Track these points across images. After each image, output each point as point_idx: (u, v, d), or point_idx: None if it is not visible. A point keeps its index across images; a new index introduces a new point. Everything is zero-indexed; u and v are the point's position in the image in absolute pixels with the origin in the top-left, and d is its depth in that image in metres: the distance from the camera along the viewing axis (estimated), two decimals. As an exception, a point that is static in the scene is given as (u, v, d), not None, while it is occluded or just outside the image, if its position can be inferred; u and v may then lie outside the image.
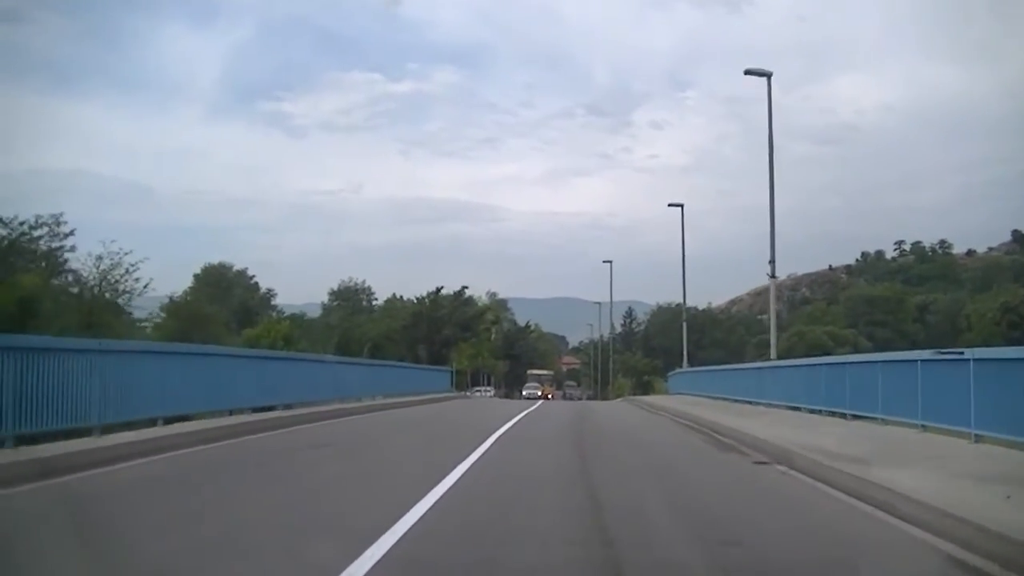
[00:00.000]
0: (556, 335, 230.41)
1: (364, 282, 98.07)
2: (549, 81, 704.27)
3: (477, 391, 71.74)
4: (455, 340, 63.63)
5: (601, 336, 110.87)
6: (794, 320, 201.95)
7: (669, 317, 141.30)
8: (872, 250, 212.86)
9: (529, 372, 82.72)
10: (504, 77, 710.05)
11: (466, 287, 65.49)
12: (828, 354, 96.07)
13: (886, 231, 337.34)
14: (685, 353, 49.70)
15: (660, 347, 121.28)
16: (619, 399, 54.47)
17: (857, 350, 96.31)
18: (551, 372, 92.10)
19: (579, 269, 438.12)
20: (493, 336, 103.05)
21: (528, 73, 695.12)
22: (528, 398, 61.65)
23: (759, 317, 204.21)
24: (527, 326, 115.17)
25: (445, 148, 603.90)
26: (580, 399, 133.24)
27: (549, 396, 70.54)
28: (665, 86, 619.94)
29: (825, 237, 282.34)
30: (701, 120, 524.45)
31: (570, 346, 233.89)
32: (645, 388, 77.89)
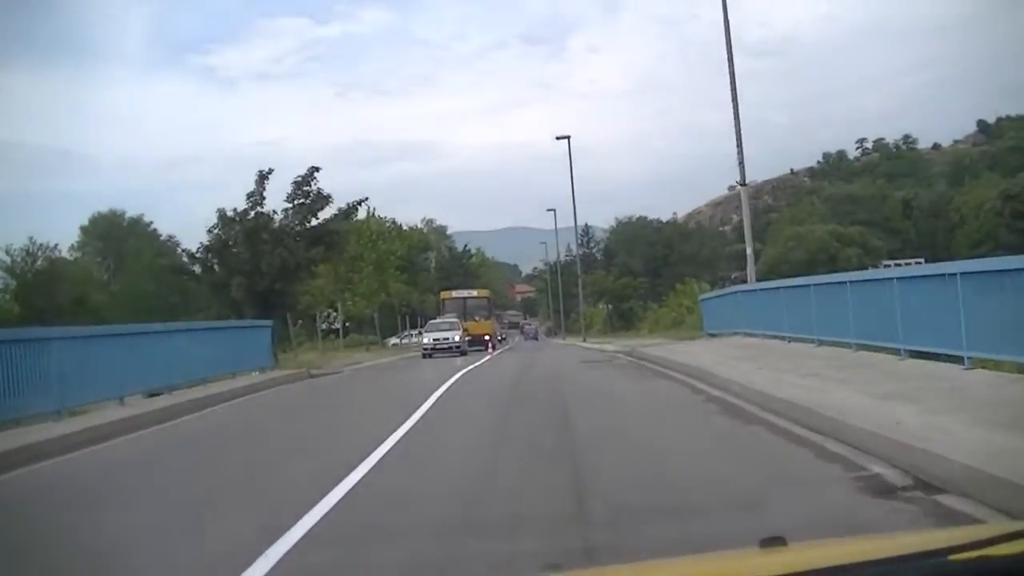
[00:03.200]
0: (508, 264, 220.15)
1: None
2: (480, 13, 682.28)
3: (407, 337, 58.15)
4: (301, 268, 33.38)
5: (559, 257, 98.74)
6: (762, 229, 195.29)
7: (632, 232, 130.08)
8: (833, 151, 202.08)
9: (442, 296, 48.65)
10: (435, 12, 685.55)
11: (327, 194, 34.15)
12: (834, 258, 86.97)
13: (841, 136, 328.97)
14: (751, 257, 29.24)
15: (622, 265, 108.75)
16: (595, 344, 39.72)
17: (867, 251, 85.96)
18: (485, 294, 50.60)
19: (528, 197, 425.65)
20: (433, 267, 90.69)
21: (459, 6, 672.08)
22: (432, 353, 35.15)
23: (721, 229, 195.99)
24: (466, 250, 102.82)
25: (382, 88, 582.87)
26: (536, 337, 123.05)
27: (488, 342, 41.80)
28: (599, 10, 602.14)
29: (777, 151, 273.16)
30: (638, 41, 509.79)
31: (523, 275, 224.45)
32: (626, 319, 65.21)
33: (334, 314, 51.84)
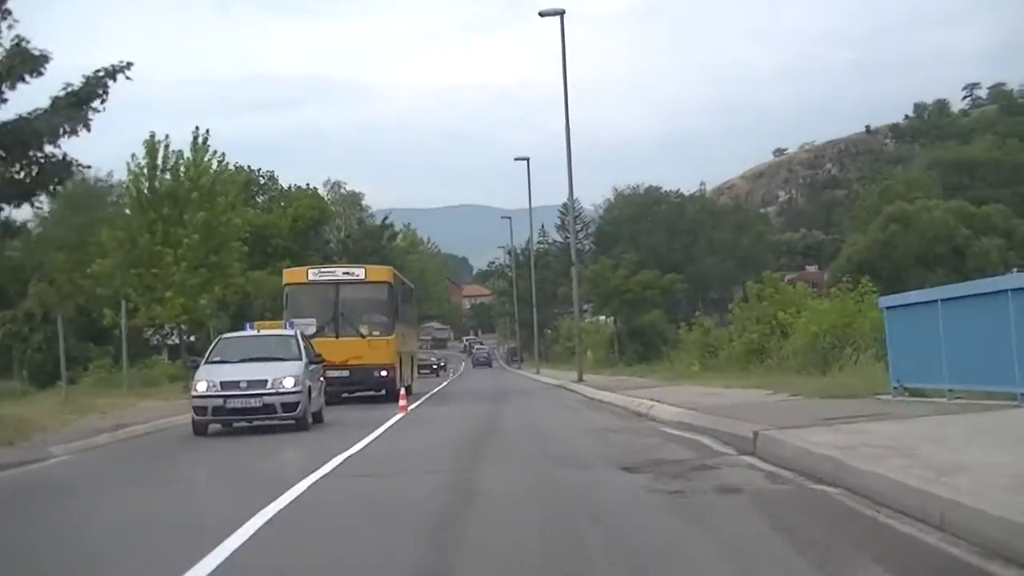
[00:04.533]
0: (453, 257, 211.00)
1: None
2: None
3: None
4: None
5: (532, 239, 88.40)
6: (818, 207, 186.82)
7: (638, 210, 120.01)
8: (930, 100, 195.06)
9: (288, 279, 33.61)
10: None
11: None
12: (960, 251, 77.56)
13: (939, 82, 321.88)
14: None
15: (622, 259, 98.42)
16: (611, 395, 25.81)
17: (1011, 241, 77.57)
18: (383, 276, 34.03)
19: (486, 162, 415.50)
20: (334, 247, 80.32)
21: None
22: (223, 421, 20.80)
23: (764, 210, 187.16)
24: (385, 224, 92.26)
25: (284, 1, 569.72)
26: (489, 363, 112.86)
27: (387, 379, 31.18)
28: None
29: (842, 100, 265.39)
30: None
31: (475, 271, 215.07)
32: (644, 341, 54.12)
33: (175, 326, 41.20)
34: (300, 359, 20.84)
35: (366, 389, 31.12)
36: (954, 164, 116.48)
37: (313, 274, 33.06)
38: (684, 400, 19.88)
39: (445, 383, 53.40)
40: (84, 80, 22.88)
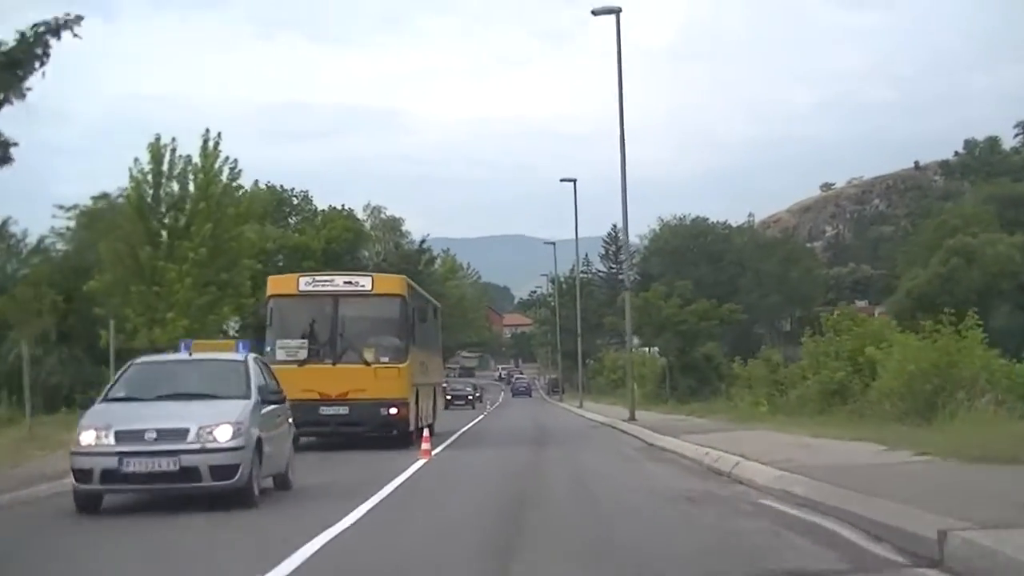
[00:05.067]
0: (494, 286, 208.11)
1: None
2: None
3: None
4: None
5: (572, 273, 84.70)
6: (865, 243, 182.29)
7: (683, 241, 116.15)
8: (980, 137, 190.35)
9: (272, 288, 26.87)
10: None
11: None
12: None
13: (985, 119, 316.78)
14: None
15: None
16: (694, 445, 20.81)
17: None
18: (394, 288, 27.19)
19: (525, 195, 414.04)
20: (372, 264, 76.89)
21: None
22: (117, 487, 13.35)
23: (810, 245, 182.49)
24: (423, 247, 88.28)
25: (328, 32, 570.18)
26: (529, 393, 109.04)
27: (398, 415, 25.08)
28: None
29: (889, 137, 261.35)
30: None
31: (516, 300, 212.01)
32: (699, 376, 49.89)
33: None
34: (247, 397, 13.87)
35: (370, 431, 24.61)
36: (1010, 199, 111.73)
37: (305, 283, 25.72)
38: (776, 456, 15.65)
39: (481, 416, 49.16)
40: (18, 38, 18.10)
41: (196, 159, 34.92)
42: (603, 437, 30.55)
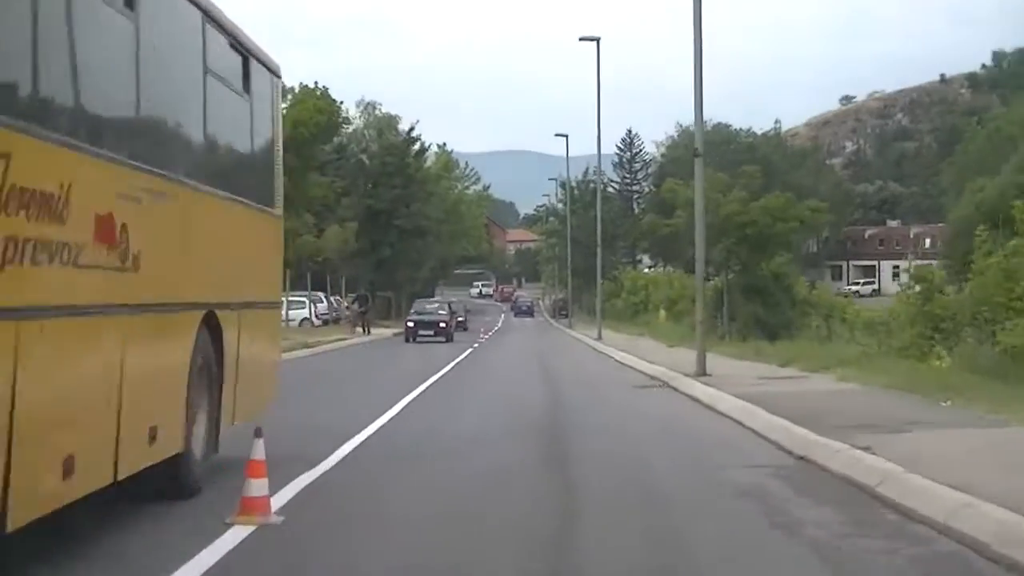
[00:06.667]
0: (499, 200, 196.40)
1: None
2: None
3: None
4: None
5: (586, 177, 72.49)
6: (886, 161, 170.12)
7: (704, 147, 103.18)
8: (1009, 48, 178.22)
9: None
10: None
11: None
12: None
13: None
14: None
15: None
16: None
17: None
18: None
19: (534, 106, 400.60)
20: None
21: None
22: None
23: (829, 161, 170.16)
24: (410, 136, 77.26)
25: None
26: (531, 313, 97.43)
27: None
28: None
29: (914, 48, 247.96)
30: None
31: (521, 216, 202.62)
32: (765, 301, 35.57)
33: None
34: None
35: None
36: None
37: None
38: None
39: (450, 364, 31.04)
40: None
41: None
42: (678, 428, 16.39)
